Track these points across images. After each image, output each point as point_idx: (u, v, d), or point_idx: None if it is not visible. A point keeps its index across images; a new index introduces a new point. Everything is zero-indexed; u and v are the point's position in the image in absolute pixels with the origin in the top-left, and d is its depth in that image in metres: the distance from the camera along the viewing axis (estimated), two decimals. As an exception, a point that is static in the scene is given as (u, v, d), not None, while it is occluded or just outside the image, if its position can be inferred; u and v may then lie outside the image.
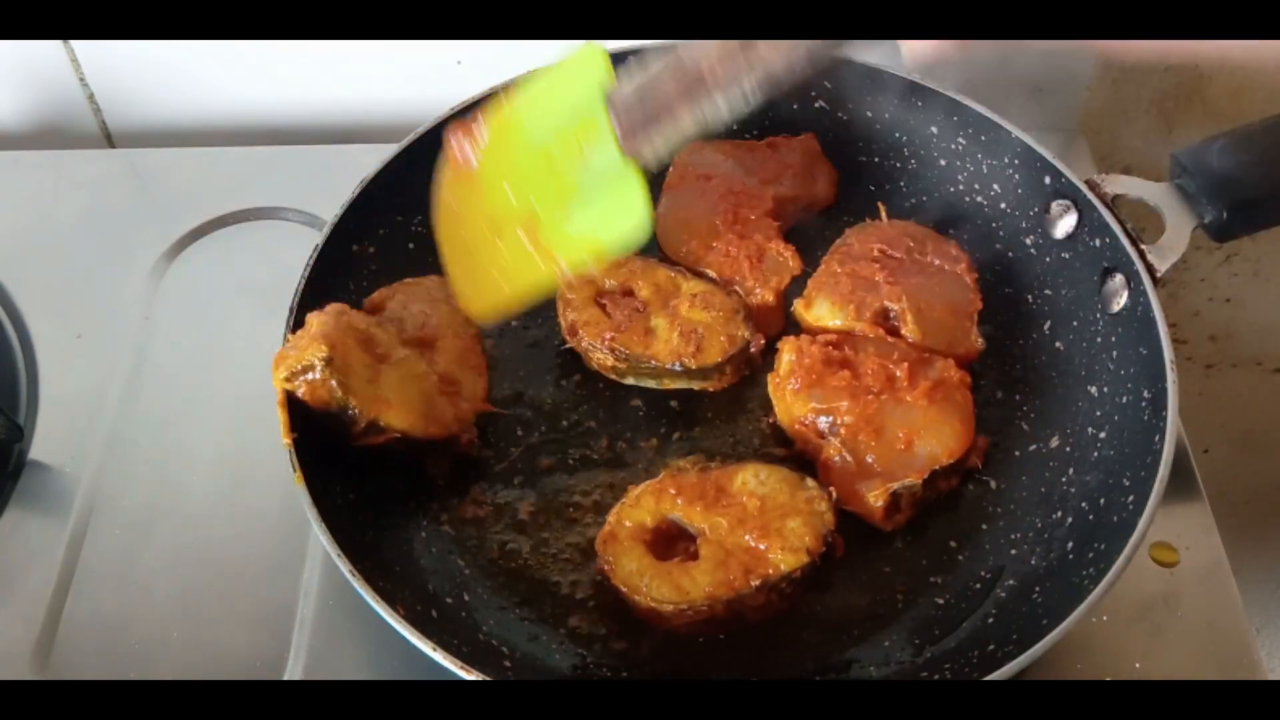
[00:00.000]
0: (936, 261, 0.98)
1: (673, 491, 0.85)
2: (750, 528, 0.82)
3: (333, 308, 0.88)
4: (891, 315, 0.94)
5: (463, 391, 0.91)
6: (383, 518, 0.87)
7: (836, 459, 0.88)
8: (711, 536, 0.82)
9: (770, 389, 0.93)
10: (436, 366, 0.91)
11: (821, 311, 0.95)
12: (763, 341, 0.96)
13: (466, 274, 0.86)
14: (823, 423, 0.89)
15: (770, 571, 0.80)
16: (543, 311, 0.99)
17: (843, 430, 0.88)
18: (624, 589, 0.81)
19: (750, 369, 0.96)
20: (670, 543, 0.84)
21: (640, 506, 0.85)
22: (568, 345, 0.97)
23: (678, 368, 0.94)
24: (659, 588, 0.80)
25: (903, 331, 0.93)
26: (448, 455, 0.92)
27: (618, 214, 0.76)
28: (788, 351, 0.92)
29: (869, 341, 0.93)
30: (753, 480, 0.85)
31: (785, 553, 0.81)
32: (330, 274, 0.94)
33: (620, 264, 0.98)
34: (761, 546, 0.81)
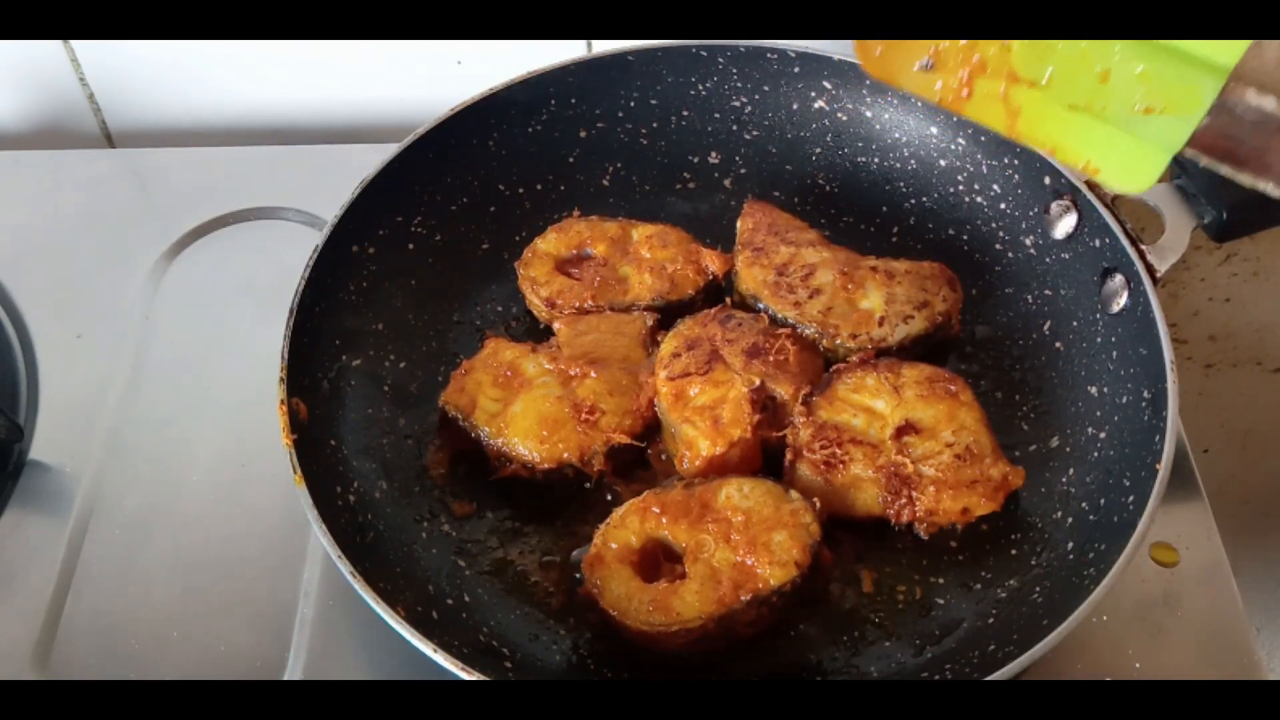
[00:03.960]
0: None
1: (656, 510, 0.83)
2: (736, 543, 0.81)
3: (489, 344, 0.94)
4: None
5: (601, 422, 0.89)
6: (383, 519, 0.87)
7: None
8: (698, 554, 0.81)
9: None
10: (576, 394, 0.90)
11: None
12: (724, 267, 0.99)
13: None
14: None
15: (760, 586, 0.79)
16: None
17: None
18: (613, 613, 0.80)
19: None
20: (657, 562, 0.83)
21: (625, 527, 0.83)
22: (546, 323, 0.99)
23: (659, 303, 0.98)
24: (649, 611, 0.79)
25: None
26: (447, 455, 0.92)
27: (1129, 159, 0.72)
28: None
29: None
30: (736, 494, 0.83)
31: (773, 567, 0.80)
32: (330, 274, 0.94)
33: (567, 228, 1.02)
34: (749, 561, 0.80)
